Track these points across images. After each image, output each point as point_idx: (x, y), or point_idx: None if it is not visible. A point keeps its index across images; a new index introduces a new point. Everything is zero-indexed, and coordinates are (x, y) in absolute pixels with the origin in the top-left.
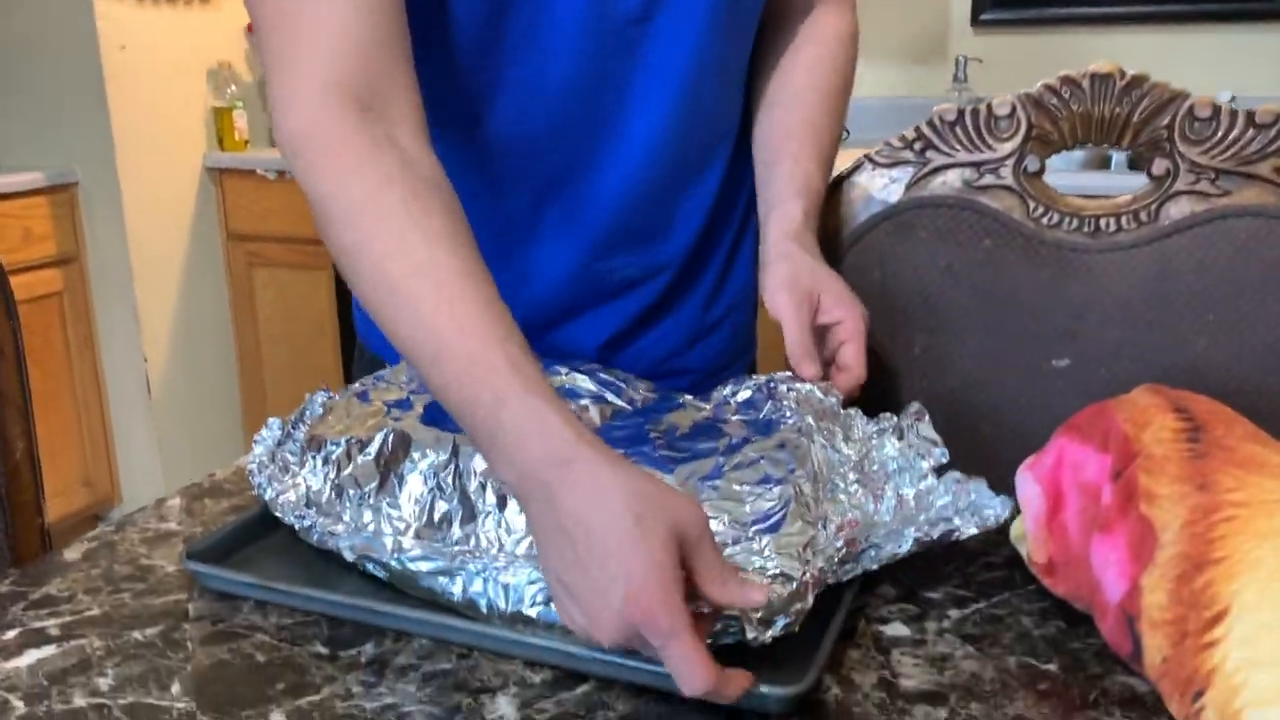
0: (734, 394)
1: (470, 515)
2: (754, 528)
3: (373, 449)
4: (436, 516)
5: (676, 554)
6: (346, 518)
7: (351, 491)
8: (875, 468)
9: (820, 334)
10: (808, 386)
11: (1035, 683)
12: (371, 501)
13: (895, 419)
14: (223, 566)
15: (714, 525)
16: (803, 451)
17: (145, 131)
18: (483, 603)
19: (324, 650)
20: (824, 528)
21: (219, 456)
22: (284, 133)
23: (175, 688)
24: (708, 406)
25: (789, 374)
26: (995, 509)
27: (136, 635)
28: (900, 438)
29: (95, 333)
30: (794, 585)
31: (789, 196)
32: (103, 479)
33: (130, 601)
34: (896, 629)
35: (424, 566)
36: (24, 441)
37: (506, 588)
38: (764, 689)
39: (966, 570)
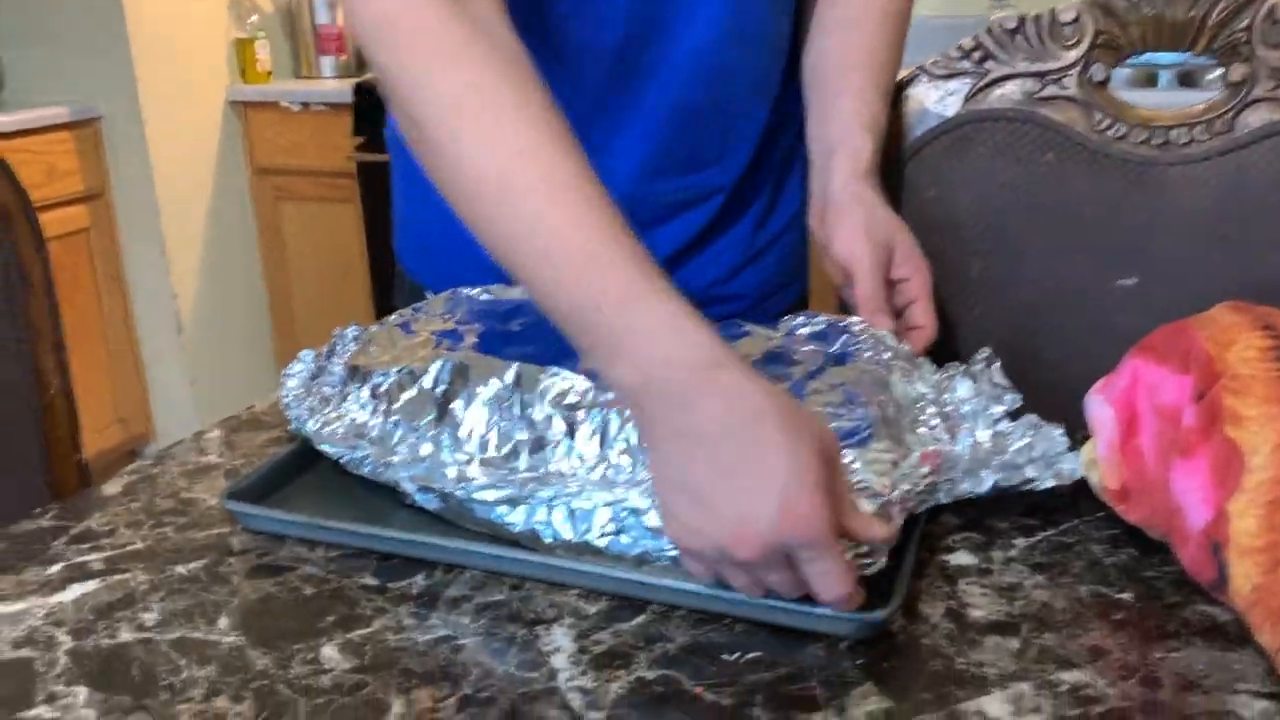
0: (803, 326)
1: (538, 445)
2: (841, 444)
3: (428, 380)
4: (503, 449)
5: (827, 469)
6: (403, 450)
7: (406, 424)
8: (950, 408)
9: (889, 287)
10: (881, 331)
11: (1110, 612)
12: (430, 434)
13: (964, 366)
14: (265, 505)
15: None
16: (883, 381)
17: (167, 64)
18: (547, 534)
19: (373, 583)
20: (908, 456)
21: (252, 391)
22: (364, 18)
23: (223, 622)
24: (777, 335)
25: (859, 318)
26: (1070, 463)
27: (180, 569)
28: (973, 382)
29: (123, 269)
30: (880, 502)
31: (857, 132)
32: (136, 416)
33: (173, 535)
34: (962, 558)
35: (489, 496)
36: (58, 377)
37: (574, 517)
38: (846, 614)
39: (1031, 498)
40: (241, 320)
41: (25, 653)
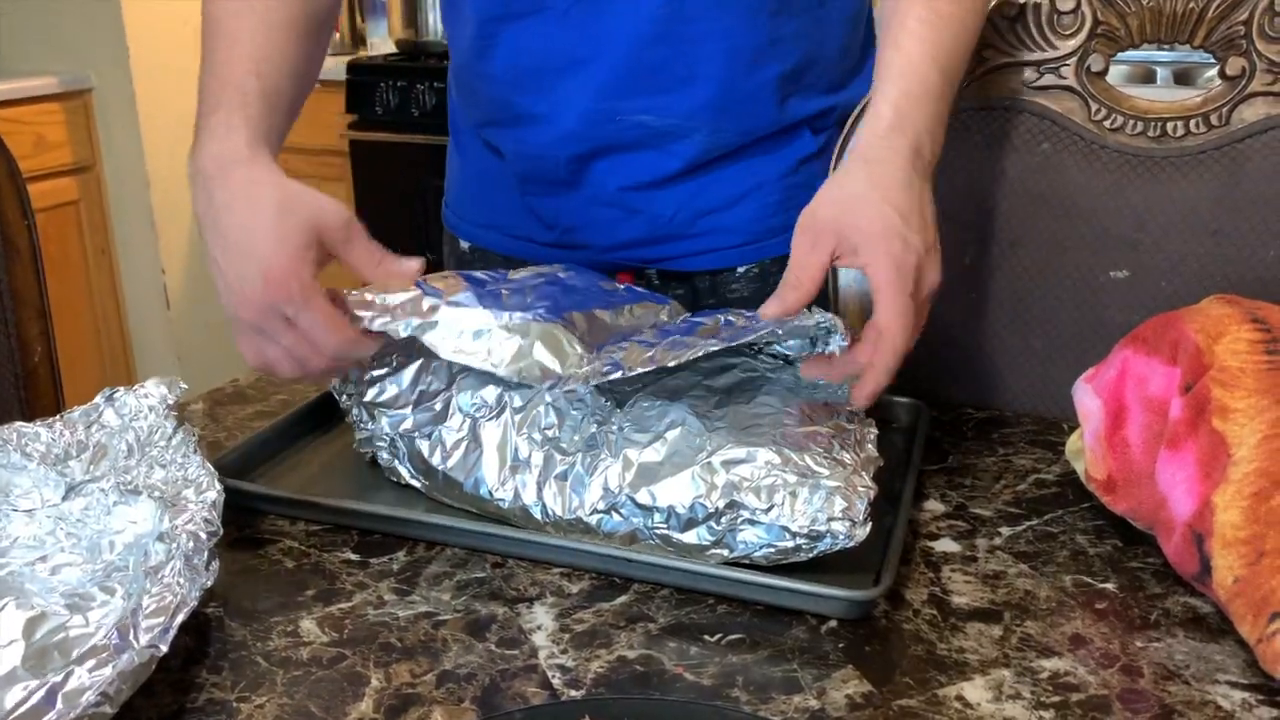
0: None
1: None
2: None
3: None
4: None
5: (313, 241)
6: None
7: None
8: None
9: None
10: None
11: (1092, 602)
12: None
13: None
14: (248, 481)
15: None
16: None
17: (161, 36)
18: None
19: (354, 558)
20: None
21: (238, 369)
22: None
23: None
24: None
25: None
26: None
27: None
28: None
29: (112, 243)
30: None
31: (881, 84)
32: None
33: None
34: (946, 545)
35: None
36: (42, 344)
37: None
38: (835, 592)
39: (1017, 488)
40: None
41: None
